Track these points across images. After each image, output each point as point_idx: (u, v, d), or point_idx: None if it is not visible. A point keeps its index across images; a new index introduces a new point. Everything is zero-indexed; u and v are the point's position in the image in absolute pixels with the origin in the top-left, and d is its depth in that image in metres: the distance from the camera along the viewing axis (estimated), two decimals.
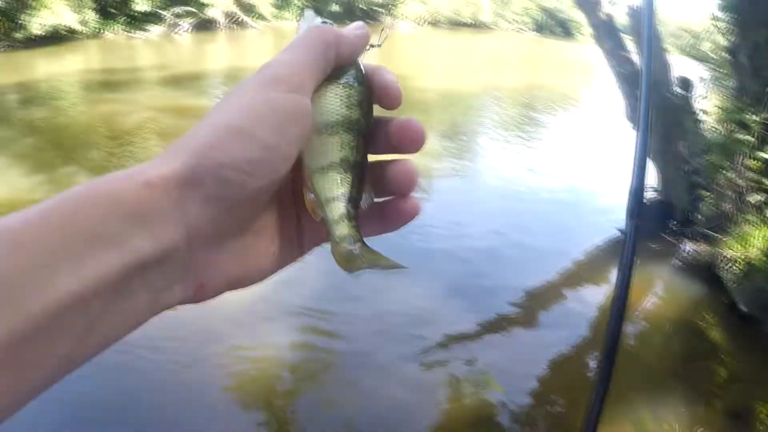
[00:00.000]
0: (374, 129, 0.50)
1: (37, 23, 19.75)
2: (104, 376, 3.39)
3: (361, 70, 0.50)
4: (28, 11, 20.03)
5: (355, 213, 0.48)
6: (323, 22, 0.52)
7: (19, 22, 19.93)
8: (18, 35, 19.92)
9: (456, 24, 39.16)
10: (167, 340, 3.77)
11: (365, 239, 0.50)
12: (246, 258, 0.44)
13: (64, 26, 20.71)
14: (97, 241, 0.32)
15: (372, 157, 0.51)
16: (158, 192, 0.36)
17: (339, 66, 0.48)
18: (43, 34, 19.86)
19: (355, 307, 4.41)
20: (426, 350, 3.98)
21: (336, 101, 0.48)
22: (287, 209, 0.49)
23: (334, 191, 0.47)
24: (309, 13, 0.56)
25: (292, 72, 0.43)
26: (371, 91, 0.50)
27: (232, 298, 3.33)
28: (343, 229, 0.48)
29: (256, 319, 4.19)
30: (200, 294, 0.41)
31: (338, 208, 0.47)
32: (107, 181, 0.36)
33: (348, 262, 0.49)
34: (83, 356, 0.33)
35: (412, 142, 0.49)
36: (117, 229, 0.33)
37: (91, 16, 23.12)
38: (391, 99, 0.50)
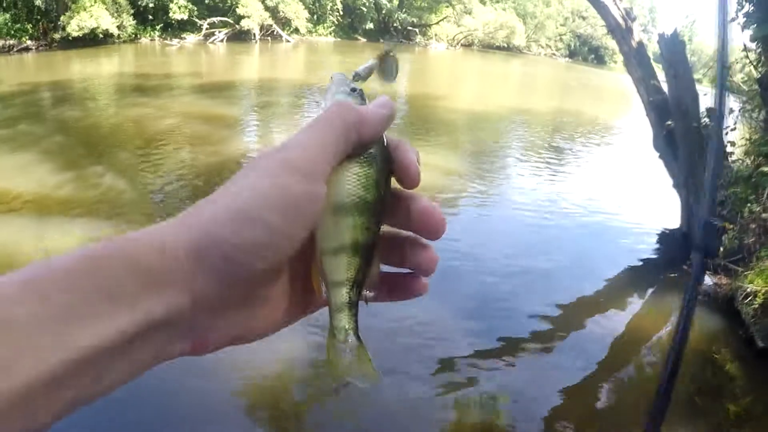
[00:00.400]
0: (395, 204, 0.49)
1: (76, 25, 20.16)
2: None
3: (383, 149, 0.48)
4: (68, 13, 20.46)
5: (357, 299, 0.48)
6: (352, 90, 0.51)
7: (58, 23, 20.37)
8: (56, 35, 20.36)
9: (489, 47, 39.29)
10: None
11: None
12: (250, 321, 0.45)
13: (102, 29, 21.11)
14: (114, 300, 0.35)
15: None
16: (170, 260, 0.38)
17: (360, 144, 0.47)
18: (81, 35, 20.26)
19: (369, 323, 4.39)
20: (438, 370, 3.96)
21: (353, 182, 0.46)
22: (296, 276, 0.49)
23: (342, 275, 0.47)
24: (339, 77, 0.53)
25: (307, 157, 0.43)
26: (391, 169, 0.49)
27: None
28: (341, 320, 0.48)
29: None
30: (200, 349, 0.42)
31: (342, 294, 0.47)
32: (126, 242, 0.37)
33: (335, 363, 0.49)
34: (87, 401, 0.35)
35: (432, 232, 0.49)
36: (133, 291, 0.35)
37: (129, 21, 23.56)
38: (410, 180, 0.48)
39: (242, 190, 0.41)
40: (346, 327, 0.48)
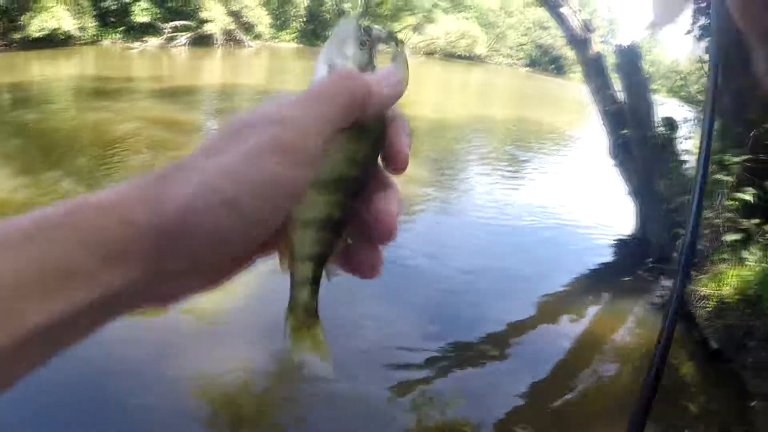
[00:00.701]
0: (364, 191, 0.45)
1: (37, 25, 19.79)
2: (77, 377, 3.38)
3: (378, 125, 0.44)
4: (29, 13, 20.07)
5: (320, 275, 0.46)
6: (361, 45, 0.46)
7: (19, 23, 19.97)
8: (16, 36, 19.94)
9: (451, 55, 39.56)
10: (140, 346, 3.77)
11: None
12: (210, 282, 0.43)
13: (63, 31, 20.77)
14: (70, 277, 0.33)
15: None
16: (137, 237, 0.35)
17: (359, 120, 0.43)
18: (41, 36, 19.89)
19: (329, 327, 4.40)
20: (394, 372, 3.98)
21: (338, 157, 0.43)
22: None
23: (309, 249, 0.44)
24: (348, 28, 0.46)
25: (302, 137, 0.39)
26: (380, 148, 0.45)
27: (206, 311, 3.31)
28: (303, 295, 0.45)
29: (227, 334, 4.18)
30: (158, 307, 0.41)
31: (307, 269, 0.45)
32: (88, 209, 0.35)
33: (294, 338, 0.47)
34: (40, 366, 0.34)
35: (381, 237, 0.45)
36: (92, 267, 0.33)
37: (91, 22, 23.20)
38: (397, 165, 0.45)
39: (226, 171, 0.37)
40: (307, 302, 0.46)
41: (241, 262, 0.44)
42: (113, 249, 0.34)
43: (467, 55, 41.26)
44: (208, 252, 0.38)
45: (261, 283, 4.77)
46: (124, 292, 0.35)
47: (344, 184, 0.44)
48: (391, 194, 0.45)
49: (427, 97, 19.38)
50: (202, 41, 27.89)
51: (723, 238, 5.23)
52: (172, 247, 0.36)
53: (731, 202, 5.30)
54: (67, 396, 3.34)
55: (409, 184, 8.13)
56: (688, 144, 6.74)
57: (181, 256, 0.37)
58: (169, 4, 27.30)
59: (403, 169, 0.45)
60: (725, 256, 5.15)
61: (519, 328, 4.87)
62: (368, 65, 0.46)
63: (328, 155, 0.42)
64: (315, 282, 0.46)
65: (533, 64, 43.33)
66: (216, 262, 0.39)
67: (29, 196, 6.28)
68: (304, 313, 0.46)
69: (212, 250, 0.38)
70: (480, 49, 42.26)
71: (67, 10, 21.22)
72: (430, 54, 39.26)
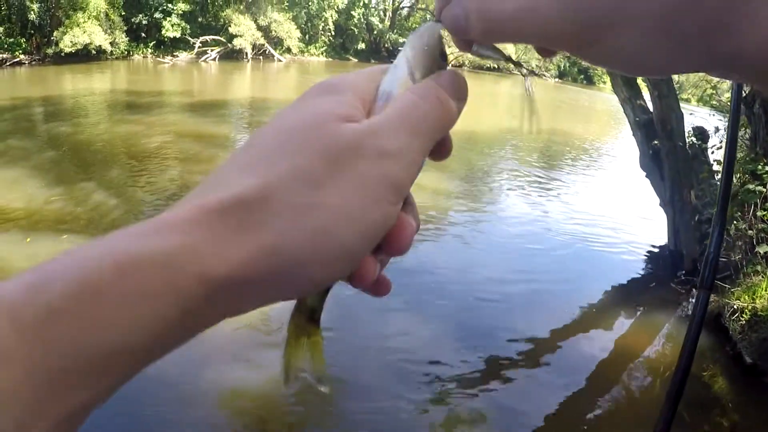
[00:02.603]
0: None
1: (69, 40, 20.24)
2: None
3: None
4: (61, 28, 20.53)
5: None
6: (443, 56, 0.41)
7: (52, 38, 20.43)
8: (49, 50, 20.41)
9: (479, 68, 39.52)
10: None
11: None
12: None
13: (95, 46, 21.20)
14: (114, 356, 0.27)
15: None
16: (209, 290, 0.29)
17: None
18: (73, 51, 20.32)
19: (360, 341, 4.41)
20: (425, 388, 3.96)
21: None
22: None
23: None
24: (431, 38, 0.41)
25: (409, 176, 0.36)
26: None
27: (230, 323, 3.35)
28: (311, 297, 0.41)
29: (254, 345, 4.20)
30: None
31: None
32: (161, 266, 0.28)
33: (292, 343, 0.43)
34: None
35: (395, 246, 0.38)
36: (150, 344, 0.28)
37: (122, 38, 23.66)
38: (441, 153, 0.42)
39: (351, 221, 0.33)
40: (314, 306, 0.42)
41: None
42: (191, 307, 0.28)
43: (496, 67, 41.18)
44: (294, 297, 0.36)
45: None
46: (182, 342, 0.31)
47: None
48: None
49: None
50: (232, 56, 28.28)
51: (756, 249, 5.13)
52: (253, 299, 0.32)
53: (764, 213, 5.21)
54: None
55: (438, 197, 8.12)
56: (719, 154, 6.64)
57: (258, 304, 0.33)
58: (200, 20, 27.73)
59: (448, 154, 0.42)
60: (758, 268, 5.06)
61: (550, 341, 4.82)
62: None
63: None
64: (327, 289, 0.42)
65: (562, 75, 43.13)
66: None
67: (63, 207, 6.39)
68: (308, 317, 0.43)
69: (299, 296, 0.36)
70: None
71: (99, 25, 21.65)
72: (458, 66, 39.27)
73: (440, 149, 0.41)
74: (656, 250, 7.05)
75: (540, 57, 0.46)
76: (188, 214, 0.30)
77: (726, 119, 7.39)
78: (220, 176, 0.33)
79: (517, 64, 0.47)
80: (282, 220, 0.31)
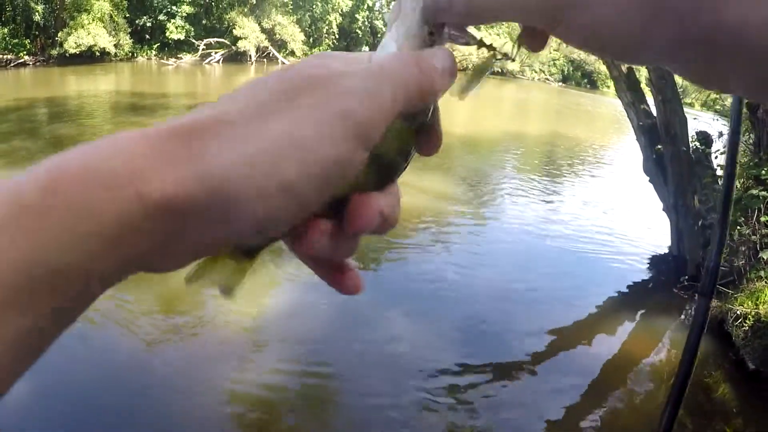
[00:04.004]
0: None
1: (73, 42, 20.31)
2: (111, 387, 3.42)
3: (430, 113, 0.40)
4: (65, 29, 20.60)
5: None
6: (429, 33, 0.39)
7: (56, 39, 20.50)
8: (53, 51, 20.48)
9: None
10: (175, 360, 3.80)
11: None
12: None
13: (99, 47, 21.25)
14: (59, 276, 0.26)
15: None
16: (152, 217, 0.27)
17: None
18: (78, 52, 20.38)
19: (360, 344, 4.40)
20: (428, 391, 3.95)
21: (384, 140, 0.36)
22: None
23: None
24: (414, 15, 0.39)
25: (374, 118, 0.33)
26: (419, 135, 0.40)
27: (236, 322, 3.33)
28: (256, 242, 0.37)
29: (256, 348, 4.20)
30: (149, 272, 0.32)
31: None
32: (90, 187, 0.26)
33: (218, 261, 0.37)
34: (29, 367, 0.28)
35: (358, 220, 0.36)
36: (86, 264, 0.26)
37: (126, 39, 23.72)
38: (429, 145, 0.40)
39: (291, 144, 0.31)
40: (254, 248, 0.38)
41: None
42: (118, 235, 0.27)
43: (499, 71, 41.21)
44: (240, 237, 0.31)
45: (293, 297, 4.80)
46: (122, 270, 0.28)
47: (387, 169, 0.38)
48: (388, 194, 0.38)
49: (460, 113, 19.38)
50: (236, 58, 28.33)
51: (760, 255, 5.12)
52: (196, 230, 0.29)
53: None
54: (98, 406, 3.37)
55: (439, 201, 8.12)
56: (723, 159, 6.63)
57: (202, 238, 0.30)
58: (204, 22, 27.79)
59: (437, 148, 0.41)
60: (762, 273, 5.04)
61: (551, 345, 4.81)
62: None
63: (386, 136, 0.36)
64: (274, 240, 0.37)
65: (566, 79, 43.15)
66: (234, 243, 0.32)
67: None
68: (244, 251, 0.38)
69: (245, 236, 0.31)
70: (512, 65, 42.23)
71: (103, 27, 21.71)
72: (462, 70, 39.12)
73: (428, 141, 0.40)
74: (659, 255, 7.03)
75: (532, 53, 0.46)
76: (137, 136, 0.29)
77: (729, 124, 7.39)
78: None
79: (490, 47, 0.46)
80: (223, 147, 0.29)
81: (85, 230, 0.26)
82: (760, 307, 4.71)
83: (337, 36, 36.28)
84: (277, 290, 4.89)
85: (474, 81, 0.44)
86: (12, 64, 18.98)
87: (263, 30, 29.54)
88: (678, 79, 6.58)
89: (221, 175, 0.28)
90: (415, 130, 0.39)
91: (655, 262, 6.92)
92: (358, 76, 0.33)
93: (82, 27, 20.74)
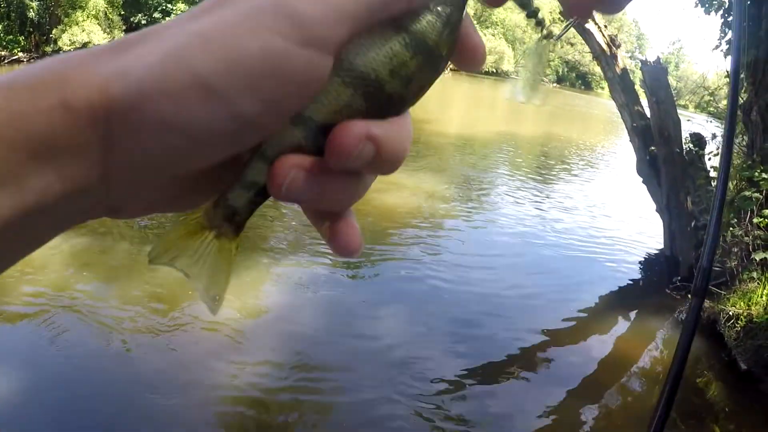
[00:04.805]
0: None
1: (67, 39, 20.28)
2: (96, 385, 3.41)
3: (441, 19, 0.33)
4: (60, 26, 20.58)
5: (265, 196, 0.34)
6: None
7: (50, 36, 20.47)
8: (47, 48, 20.43)
9: (477, 72, 39.64)
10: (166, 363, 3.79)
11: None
12: (171, 198, 0.34)
13: (93, 44, 21.18)
14: None
15: None
16: (77, 121, 0.26)
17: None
18: (72, 49, 20.34)
19: (354, 343, 4.40)
20: (419, 391, 3.95)
21: (380, 57, 0.31)
22: None
23: (282, 149, 0.32)
24: None
25: (323, 9, 0.28)
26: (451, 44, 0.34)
27: (226, 324, 3.32)
28: (240, 199, 0.34)
29: (248, 344, 4.19)
30: (112, 216, 0.32)
31: (261, 172, 0.33)
32: (16, 94, 0.26)
33: (192, 230, 0.35)
34: None
35: (337, 147, 0.31)
36: (17, 169, 0.26)
37: (120, 36, 23.68)
38: (470, 58, 0.35)
39: (205, 38, 0.28)
40: (236, 207, 0.34)
41: (205, 185, 0.34)
42: (46, 144, 0.26)
43: (494, 71, 41.32)
44: (170, 150, 0.28)
45: (283, 296, 4.80)
46: (65, 198, 0.27)
47: (376, 92, 0.32)
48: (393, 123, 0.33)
49: (455, 113, 19.41)
50: None
51: (752, 256, 5.14)
52: (125, 139, 0.27)
53: (760, 220, 5.21)
54: (89, 407, 3.36)
55: (434, 201, 8.12)
56: (716, 161, 6.65)
57: (134, 152, 0.28)
58: None
59: (482, 60, 0.35)
60: (754, 274, 5.06)
61: (545, 345, 4.81)
62: None
63: (365, 48, 0.31)
64: (262, 194, 0.34)
65: (560, 80, 43.34)
66: (178, 169, 0.30)
67: None
68: (225, 216, 0.34)
69: (174, 149, 0.28)
70: (507, 65, 42.35)
71: (98, 24, 21.67)
72: (456, 70, 39.38)
73: (469, 53, 0.35)
74: (652, 255, 7.06)
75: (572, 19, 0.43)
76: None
77: (723, 125, 7.41)
78: None
79: (540, 22, 0.43)
80: (145, 50, 0.28)
81: (9, 137, 0.25)
82: (753, 307, 4.73)
83: None
84: (266, 290, 4.88)
85: (537, 74, 0.41)
86: (6, 61, 18.93)
87: None
88: (672, 80, 6.59)
89: (138, 75, 0.27)
90: (416, 45, 0.32)
91: (648, 262, 6.95)
92: None
93: (77, 24, 20.71)
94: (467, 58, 0.35)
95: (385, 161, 0.32)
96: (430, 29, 0.32)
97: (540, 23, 0.43)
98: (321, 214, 0.35)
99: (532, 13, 0.41)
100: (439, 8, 0.32)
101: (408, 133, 0.34)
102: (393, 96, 0.32)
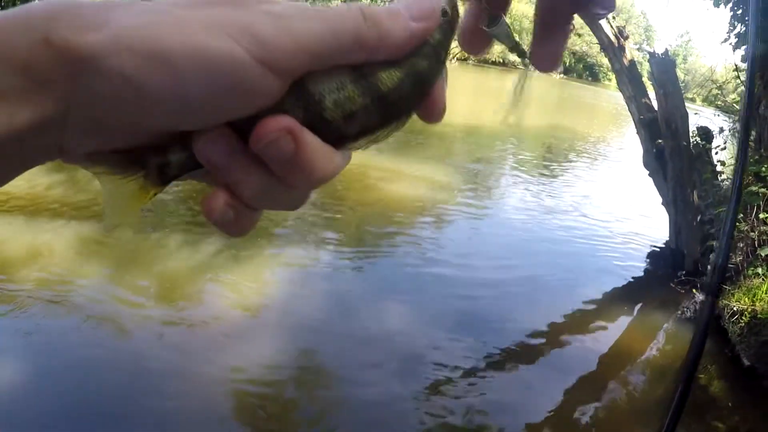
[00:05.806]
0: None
1: None
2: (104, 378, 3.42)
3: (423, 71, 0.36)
4: None
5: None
6: None
7: None
8: None
9: (485, 62, 39.47)
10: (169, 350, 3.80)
11: None
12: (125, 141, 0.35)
13: None
14: None
15: None
16: (52, 56, 0.29)
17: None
18: None
19: (356, 332, 4.40)
20: (420, 382, 3.95)
21: (322, 82, 0.34)
22: None
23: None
24: None
25: (285, 45, 0.32)
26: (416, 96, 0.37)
27: (232, 311, 3.32)
28: (175, 155, 0.36)
29: (251, 335, 4.19)
30: (62, 158, 0.35)
31: None
32: (9, 24, 0.29)
33: (126, 185, 0.37)
34: None
35: (258, 133, 0.34)
36: (15, 95, 0.29)
37: None
38: (430, 109, 0.39)
39: (184, 29, 0.31)
40: (172, 163, 0.36)
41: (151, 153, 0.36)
42: (37, 72, 0.29)
43: (501, 61, 41.16)
44: (121, 103, 0.31)
45: (286, 287, 4.80)
46: (29, 130, 0.30)
47: (316, 113, 0.35)
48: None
49: (461, 103, 19.36)
50: None
51: (758, 251, 5.12)
52: (87, 81, 0.30)
53: (767, 215, 5.19)
54: (94, 397, 3.37)
55: (438, 191, 8.10)
56: (723, 155, 6.62)
57: (93, 95, 0.30)
58: None
59: (441, 115, 0.39)
60: (759, 270, 5.04)
61: (549, 337, 4.81)
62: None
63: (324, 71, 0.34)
64: (195, 160, 0.36)
65: (568, 71, 43.17)
66: (124, 123, 0.32)
67: (64, 193, 6.38)
68: (157, 166, 0.36)
69: (125, 104, 0.31)
70: (514, 56, 42.16)
71: None
72: (463, 60, 39.25)
73: (430, 105, 0.38)
74: (657, 249, 7.04)
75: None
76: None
77: (730, 119, 7.38)
78: None
79: (522, 54, 0.46)
80: (127, 14, 0.31)
81: (10, 59, 0.28)
82: (757, 303, 4.72)
83: None
84: (269, 281, 4.88)
85: (516, 98, 0.42)
86: None
87: None
88: (680, 73, 6.55)
89: (115, 31, 0.30)
90: (368, 88, 0.35)
91: (653, 256, 6.93)
92: (294, 7, 0.33)
93: None
94: (424, 113, 0.38)
95: (303, 169, 0.34)
96: (388, 79, 0.35)
97: (522, 54, 0.46)
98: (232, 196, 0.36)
99: (513, 48, 0.46)
100: (409, 64, 0.36)
101: (336, 166, 0.36)
102: (332, 124, 0.35)
